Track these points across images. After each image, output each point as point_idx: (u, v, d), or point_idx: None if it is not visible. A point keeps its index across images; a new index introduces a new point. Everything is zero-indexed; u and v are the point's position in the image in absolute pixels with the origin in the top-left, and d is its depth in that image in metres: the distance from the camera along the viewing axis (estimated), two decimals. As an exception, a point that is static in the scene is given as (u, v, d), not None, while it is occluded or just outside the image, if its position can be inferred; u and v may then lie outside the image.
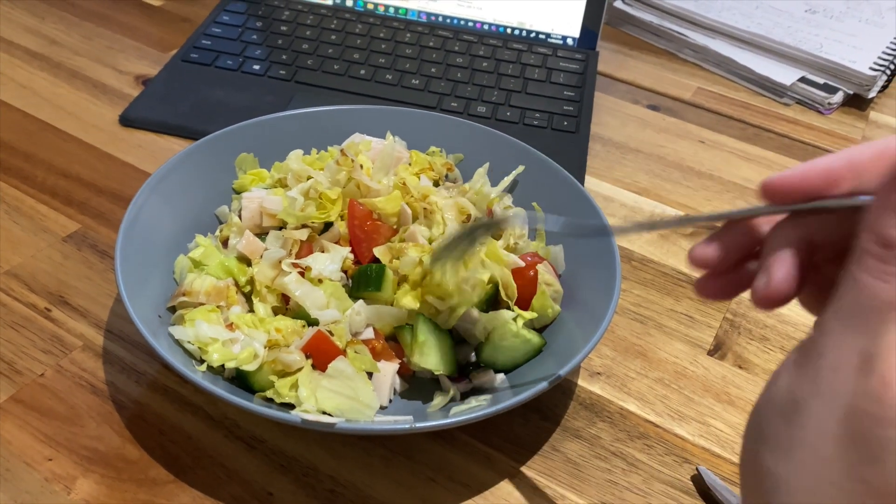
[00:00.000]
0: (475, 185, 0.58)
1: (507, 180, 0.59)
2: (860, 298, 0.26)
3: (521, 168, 0.60)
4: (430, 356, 0.47)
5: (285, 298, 0.51)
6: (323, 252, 0.52)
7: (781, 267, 0.30)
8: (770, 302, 0.31)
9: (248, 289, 0.52)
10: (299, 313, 0.49)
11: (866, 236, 0.26)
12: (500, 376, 0.49)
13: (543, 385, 0.44)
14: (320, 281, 0.50)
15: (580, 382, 0.53)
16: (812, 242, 0.31)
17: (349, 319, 0.49)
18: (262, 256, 0.52)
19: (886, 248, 0.25)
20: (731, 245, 0.33)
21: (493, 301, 0.51)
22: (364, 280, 0.50)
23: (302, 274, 0.50)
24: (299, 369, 0.46)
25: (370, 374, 0.47)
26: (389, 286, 0.50)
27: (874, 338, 0.25)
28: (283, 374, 0.46)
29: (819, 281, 0.32)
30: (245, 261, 0.53)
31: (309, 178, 0.55)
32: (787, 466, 0.27)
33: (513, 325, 0.49)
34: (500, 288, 0.51)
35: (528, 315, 0.50)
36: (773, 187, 0.31)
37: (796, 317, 0.60)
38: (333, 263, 0.51)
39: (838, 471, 0.26)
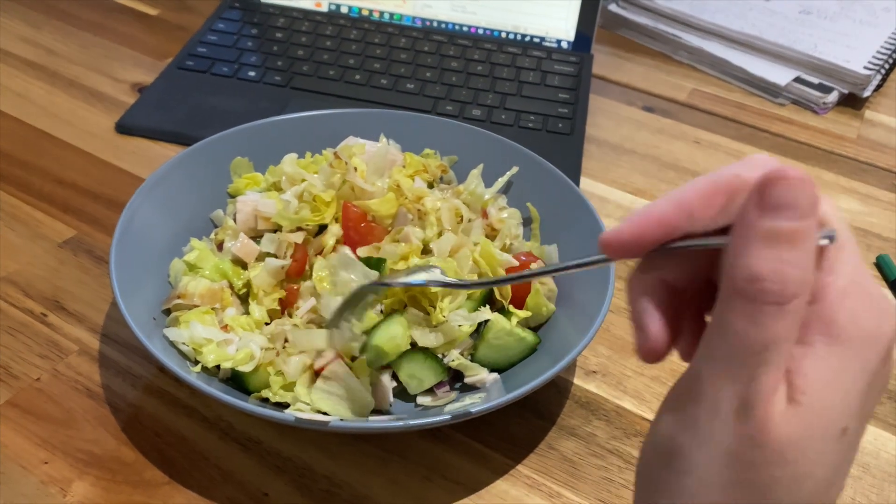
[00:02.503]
0: (469, 186, 0.58)
1: (501, 181, 0.59)
2: (732, 343, 0.25)
3: (515, 169, 0.60)
4: (422, 380, 0.48)
5: (282, 303, 0.51)
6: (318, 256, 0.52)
7: (653, 319, 0.28)
8: (656, 355, 0.29)
9: (242, 291, 0.52)
10: None
11: (729, 277, 0.25)
12: (493, 375, 0.49)
13: (537, 382, 0.44)
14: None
15: (576, 381, 0.53)
16: (670, 285, 0.29)
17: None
18: (257, 260, 0.53)
19: (752, 284, 0.24)
20: (667, 316, 0.29)
21: (487, 300, 0.51)
22: None
23: None
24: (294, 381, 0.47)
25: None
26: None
27: (748, 382, 0.25)
28: (279, 373, 0.47)
29: (687, 327, 0.30)
30: (240, 263, 0.53)
31: (303, 180, 0.55)
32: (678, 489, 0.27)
33: (506, 324, 0.49)
34: (495, 287, 0.51)
35: (522, 314, 0.50)
36: (610, 244, 0.28)
37: (792, 314, 0.60)
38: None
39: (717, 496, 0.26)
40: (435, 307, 0.48)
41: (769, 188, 0.24)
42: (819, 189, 0.24)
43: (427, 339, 0.47)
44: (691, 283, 0.29)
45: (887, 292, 0.62)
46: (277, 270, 0.51)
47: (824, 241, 0.25)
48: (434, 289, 0.48)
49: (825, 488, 0.26)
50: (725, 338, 0.25)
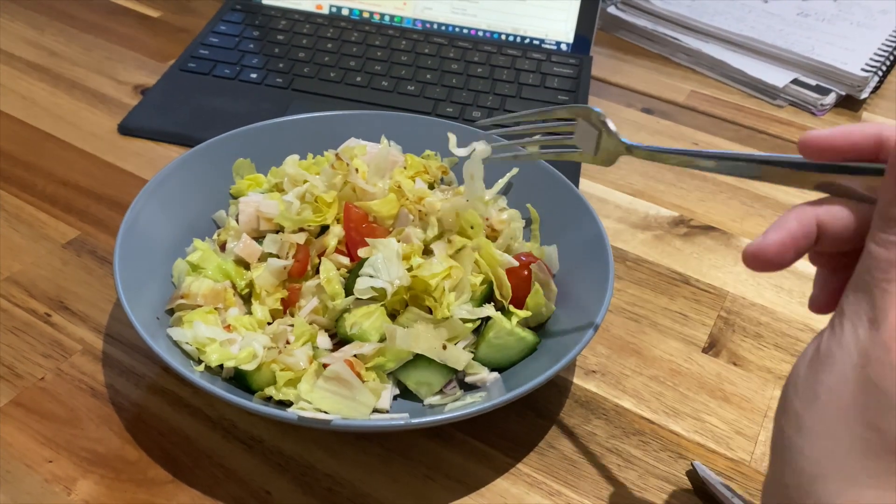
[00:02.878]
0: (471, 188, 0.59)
1: (501, 182, 0.60)
2: (868, 263, 0.30)
3: (515, 170, 0.60)
4: (432, 384, 0.49)
5: (284, 303, 0.51)
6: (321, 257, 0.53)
7: (778, 232, 0.33)
8: (755, 260, 0.33)
9: (245, 291, 0.53)
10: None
11: (876, 213, 0.30)
12: (494, 374, 0.49)
13: (537, 381, 0.44)
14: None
15: (576, 380, 0.54)
16: (822, 226, 0.33)
17: None
18: (259, 260, 0.53)
19: (888, 222, 0.30)
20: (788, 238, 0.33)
21: (487, 300, 0.51)
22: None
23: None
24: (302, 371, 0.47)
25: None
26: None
27: (880, 295, 0.29)
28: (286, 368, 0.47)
29: (831, 266, 0.36)
30: (243, 264, 0.54)
31: (305, 182, 0.56)
32: (810, 410, 0.30)
33: (507, 324, 0.49)
34: (495, 287, 0.51)
35: (522, 313, 0.51)
36: (811, 142, 0.33)
37: (790, 314, 0.60)
38: None
39: (853, 416, 0.29)
40: (439, 302, 0.48)
41: None
42: None
43: (436, 349, 0.48)
44: (838, 230, 0.33)
45: None
46: (280, 271, 0.51)
47: None
48: (438, 283, 0.49)
49: None
50: (864, 259, 0.30)
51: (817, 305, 0.37)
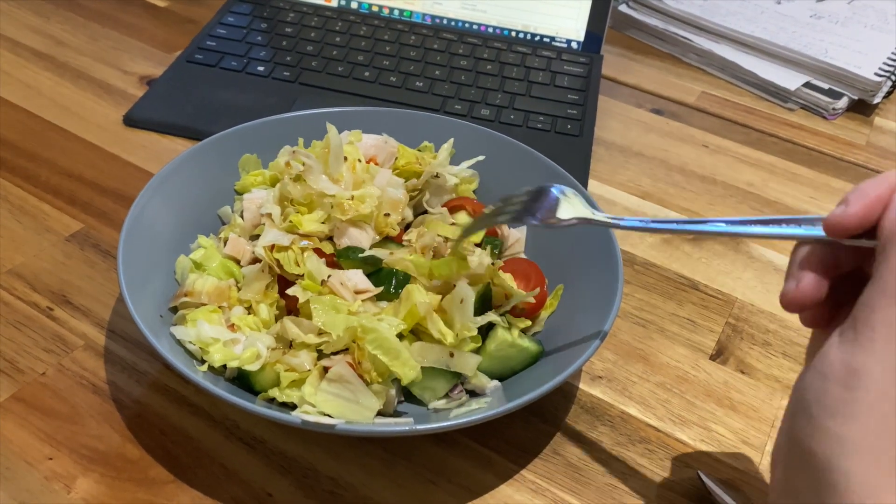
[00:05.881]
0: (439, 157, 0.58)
1: (466, 163, 0.59)
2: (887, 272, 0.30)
3: (481, 157, 0.59)
4: (436, 389, 0.48)
5: (291, 302, 0.51)
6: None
7: (810, 273, 0.35)
8: (796, 304, 0.35)
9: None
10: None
11: None
12: (495, 382, 0.49)
13: (543, 390, 0.44)
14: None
15: (581, 386, 0.53)
16: (837, 258, 0.35)
17: None
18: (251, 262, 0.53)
19: None
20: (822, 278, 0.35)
21: (486, 302, 0.51)
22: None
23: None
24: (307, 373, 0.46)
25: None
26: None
27: None
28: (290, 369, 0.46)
29: (831, 298, 0.36)
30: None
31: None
32: (851, 427, 0.30)
33: (508, 336, 0.48)
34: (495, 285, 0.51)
35: (522, 323, 0.50)
36: (837, 227, 0.34)
37: (799, 322, 0.59)
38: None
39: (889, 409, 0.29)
40: (452, 327, 0.47)
41: None
42: None
43: (444, 360, 0.47)
44: (849, 261, 0.35)
45: None
46: (258, 273, 0.51)
47: None
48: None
49: None
50: (892, 272, 0.30)
51: (816, 320, 0.38)
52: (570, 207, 0.45)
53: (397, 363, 0.45)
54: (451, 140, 0.60)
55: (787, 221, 0.37)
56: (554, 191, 0.45)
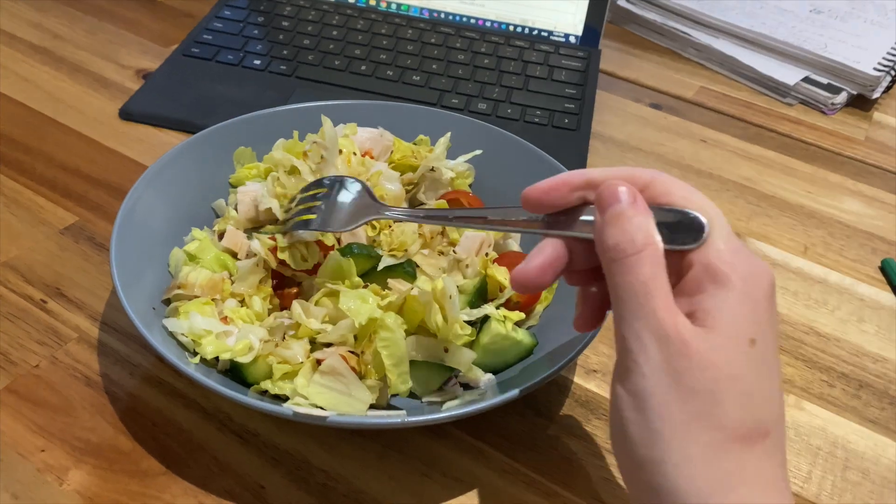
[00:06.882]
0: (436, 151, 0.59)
1: (463, 157, 0.59)
2: (621, 295, 0.34)
3: (478, 151, 0.60)
4: (429, 382, 0.48)
5: (285, 298, 0.51)
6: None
7: (538, 257, 0.38)
8: (516, 281, 0.38)
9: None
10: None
11: (602, 253, 0.35)
12: (488, 375, 0.49)
13: (535, 382, 0.44)
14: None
15: (576, 380, 0.53)
16: (571, 248, 0.38)
17: None
18: (247, 256, 0.52)
19: (613, 250, 0.34)
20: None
21: (482, 294, 0.50)
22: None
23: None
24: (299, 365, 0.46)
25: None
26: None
27: (651, 316, 0.33)
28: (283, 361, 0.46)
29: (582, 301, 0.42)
30: (235, 255, 0.53)
31: (292, 167, 0.54)
32: (657, 448, 0.33)
33: (502, 329, 0.48)
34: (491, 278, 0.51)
35: (516, 316, 0.50)
36: (530, 198, 0.39)
37: (795, 317, 0.59)
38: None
39: (678, 416, 0.32)
40: (447, 320, 0.47)
41: (603, 191, 0.36)
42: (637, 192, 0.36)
43: (438, 355, 0.47)
44: (584, 258, 0.38)
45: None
46: (253, 268, 0.50)
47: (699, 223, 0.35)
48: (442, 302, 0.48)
49: (760, 397, 0.33)
50: (617, 294, 0.34)
51: (584, 322, 0.42)
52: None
53: (395, 371, 0.45)
54: (448, 134, 0.59)
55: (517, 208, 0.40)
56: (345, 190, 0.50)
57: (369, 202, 0.49)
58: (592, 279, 0.40)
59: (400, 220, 0.51)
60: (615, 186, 0.35)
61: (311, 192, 0.51)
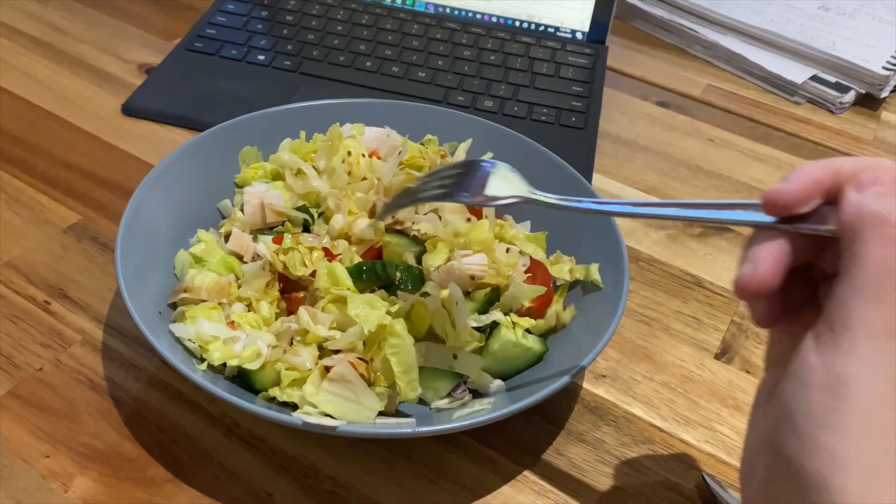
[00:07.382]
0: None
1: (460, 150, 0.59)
2: (872, 271, 0.29)
3: (469, 140, 0.59)
4: (438, 389, 0.47)
5: (292, 302, 0.50)
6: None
7: (768, 258, 0.32)
8: (752, 288, 0.32)
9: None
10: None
11: (858, 220, 0.30)
12: (498, 382, 0.48)
13: (546, 392, 0.43)
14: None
15: (585, 385, 0.53)
16: (793, 248, 0.33)
17: None
18: (254, 258, 0.52)
19: (880, 217, 0.29)
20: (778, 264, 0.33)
21: (491, 301, 0.50)
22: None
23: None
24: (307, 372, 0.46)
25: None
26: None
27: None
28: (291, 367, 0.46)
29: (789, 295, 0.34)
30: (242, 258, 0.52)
31: (298, 169, 0.54)
32: (842, 440, 0.28)
33: (512, 336, 0.48)
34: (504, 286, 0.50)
35: (526, 323, 0.49)
36: (776, 202, 0.33)
37: (805, 321, 0.59)
38: None
39: (885, 420, 0.28)
40: (455, 327, 0.47)
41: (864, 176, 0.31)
42: None
43: (447, 361, 0.47)
44: (803, 254, 0.33)
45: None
46: (259, 271, 0.50)
47: None
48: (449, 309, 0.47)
49: None
50: (865, 268, 0.29)
51: (768, 316, 0.35)
52: (505, 185, 0.41)
53: (404, 379, 0.44)
54: (470, 140, 0.59)
55: (743, 206, 0.35)
56: (485, 165, 0.42)
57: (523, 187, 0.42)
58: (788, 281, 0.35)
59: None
60: (879, 171, 0.31)
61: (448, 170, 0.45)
